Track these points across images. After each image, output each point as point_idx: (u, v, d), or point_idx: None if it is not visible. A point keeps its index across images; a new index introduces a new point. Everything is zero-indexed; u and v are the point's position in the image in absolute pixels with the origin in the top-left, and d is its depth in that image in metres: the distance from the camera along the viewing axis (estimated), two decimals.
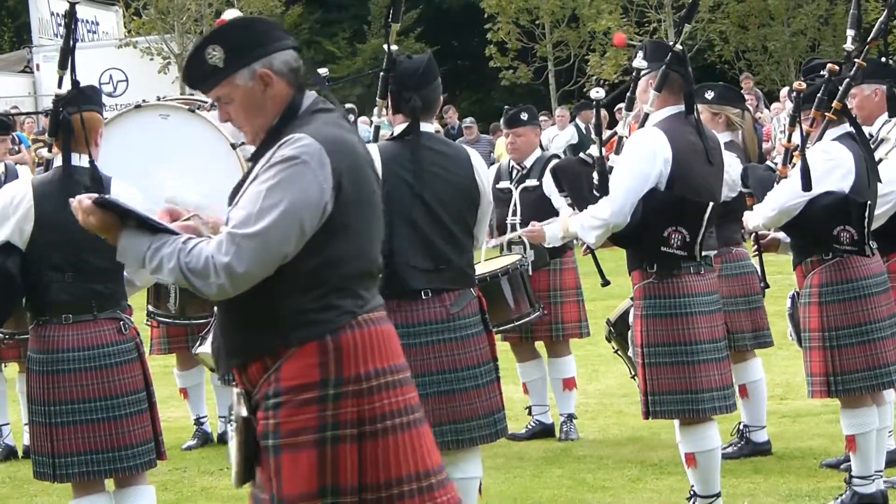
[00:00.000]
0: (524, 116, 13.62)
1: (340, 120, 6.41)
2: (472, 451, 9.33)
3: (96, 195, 6.89)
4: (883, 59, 11.62)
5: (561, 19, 42.24)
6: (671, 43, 10.01)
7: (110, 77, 34.40)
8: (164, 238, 6.18)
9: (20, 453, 13.53)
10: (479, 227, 9.56)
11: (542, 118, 21.57)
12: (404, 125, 9.25)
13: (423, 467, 6.26)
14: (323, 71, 11.76)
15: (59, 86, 9.22)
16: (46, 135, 10.08)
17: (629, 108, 10.42)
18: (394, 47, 9.49)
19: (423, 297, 9.12)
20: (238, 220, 6.09)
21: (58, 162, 9.06)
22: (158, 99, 12.39)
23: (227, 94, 6.27)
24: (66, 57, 9.25)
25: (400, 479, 6.19)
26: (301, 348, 6.10)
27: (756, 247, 11.32)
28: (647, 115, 9.87)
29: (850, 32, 10.62)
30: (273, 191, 6.05)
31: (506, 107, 14.49)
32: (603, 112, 10.68)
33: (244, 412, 6.15)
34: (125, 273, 9.09)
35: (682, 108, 9.72)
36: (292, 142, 6.17)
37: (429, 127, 9.41)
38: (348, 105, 9.39)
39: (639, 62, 10.06)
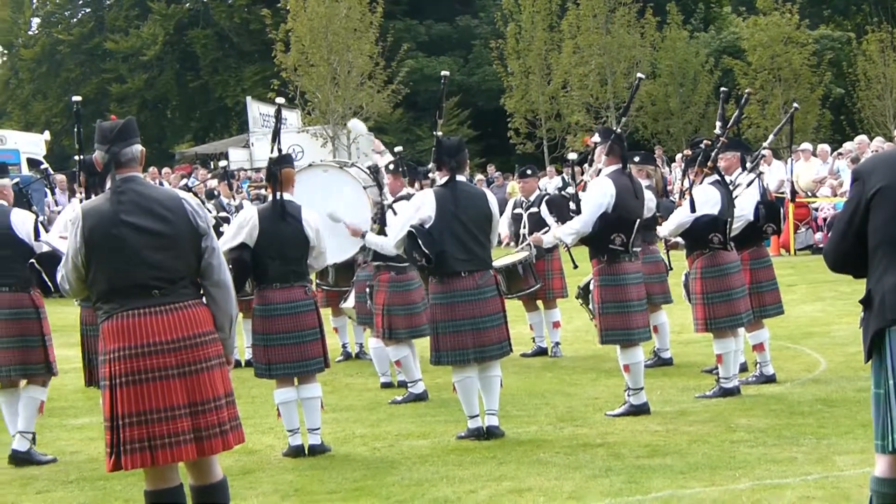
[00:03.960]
0: (529, 171, 14.30)
1: (117, 194, 6.39)
2: (493, 363, 9.66)
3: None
4: (736, 138, 11.94)
5: (550, 115, 42.02)
6: (615, 128, 10.61)
7: (293, 149, 34.48)
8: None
9: (243, 363, 13.76)
10: (493, 234, 9.79)
11: (540, 173, 22.13)
12: (447, 177, 9.69)
13: (178, 402, 6.28)
14: (398, 148, 12.59)
15: (272, 152, 9.55)
16: (264, 181, 10.44)
17: (590, 165, 11.13)
18: (440, 133, 9.84)
19: (462, 275, 9.48)
20: None
21: (270, 197, 9.49)
22: (322, 161, 13.10)
23: None
24: (276, 136, 9.58)
25: (150, 411, 6.26)
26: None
27: (665, 245, 12.16)
28: (600, 170, 10.44)
29: (718, 122, 11.07)
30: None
31: (517, 165, 15.40)
32: (576, 167, 11.49)
33: None
34: (309, 261, 9.46)
35: (620, 165, 10.26)
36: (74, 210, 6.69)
37: (461, 178, 9.75)
38: (430, 166, 10.00)
39: (595, 139, 10.73)
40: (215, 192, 15.52)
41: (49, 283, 8.94)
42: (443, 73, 10.53)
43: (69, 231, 6.46)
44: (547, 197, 13.97)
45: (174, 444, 6.29)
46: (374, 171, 11.75)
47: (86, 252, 6.36)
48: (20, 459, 9.66)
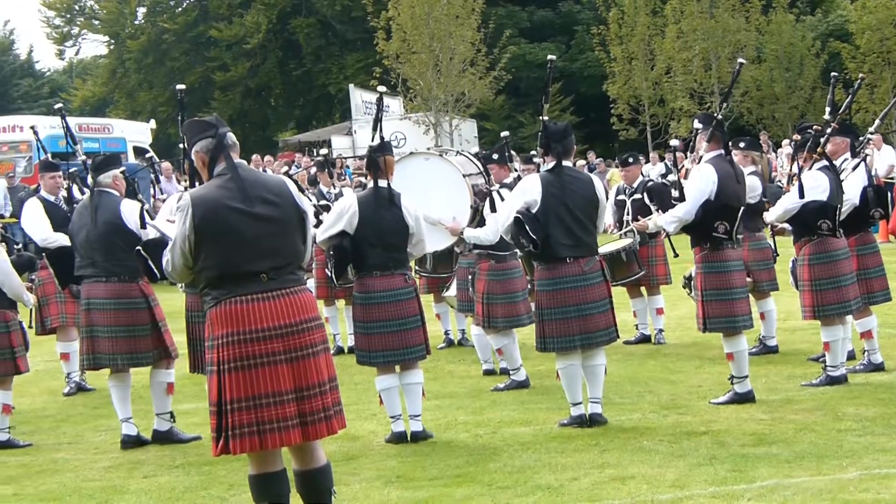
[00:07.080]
0: (631, 159, 14.22)
1: (226, 181, 6.42)
2: (598, 350, 9.62)
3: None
4: (846, 123, 11.72)
5: (654, 101, 42.00)
6: (716, 114, 10.37)
7: (395, 136, 34.71)
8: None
9: (346, 350, 13.96)
10: (600, 221, 9.74)
11: (642, 159, 21.88)
12: (553, 163, 9.58)
13: (285, 387, 6.32)
14: (504, 133, 12.28)
15: (372, 140, 9.57)
16: (364, 168, 10.48)
17: (692, 152, 10.96)
18: (546, 118, 9.70)
19: (567, 261, 9.42)
20: None
21: (370, 184, 9.41)
22: (428, 149, 13.14)
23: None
24: (377, 124, 9.60)
25: (258, 396, 6.32)
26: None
27: (772, 232, 12.01)
28: (701, 157, 10.31)
29: (827, 108, 11.02)
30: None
31: (619, 151, 15.31)
32: (679, 154, 11.42)
33: None
34: (408, 248, 9.38)
35: (722, 151, 10.16)
36: (182, 197, 6.59)
37: (568, 163, 9.65)
38: (533, 153, 9.99)
39: (697, 125, 10.57)
40: (316, 180, 15.60)
41: (155, 270, 9.05)
42: (549, 56, 10.44)
43: (177, 218, 6.49)
44: (648, 184, 13.91)
45: (282, 428, 6.34)
46: (479, 157, 11.71)
47: (196, 240, 6.38)
48: (162, 439, 9.98)
